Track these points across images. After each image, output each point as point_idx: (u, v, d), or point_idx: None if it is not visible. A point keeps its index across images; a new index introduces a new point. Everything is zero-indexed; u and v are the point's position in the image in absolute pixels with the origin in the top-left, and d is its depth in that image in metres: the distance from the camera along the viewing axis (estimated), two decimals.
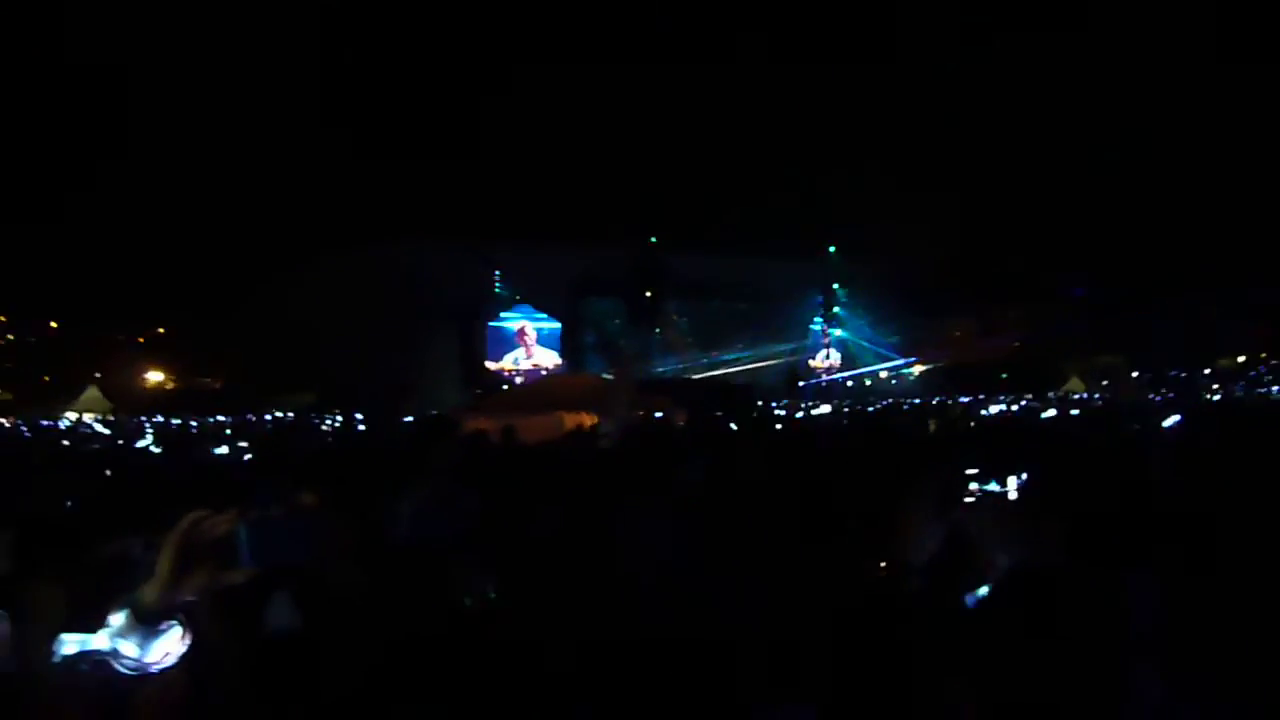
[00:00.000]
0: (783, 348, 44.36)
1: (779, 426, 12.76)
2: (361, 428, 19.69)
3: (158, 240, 41.91)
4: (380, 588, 2.18)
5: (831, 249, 45.87)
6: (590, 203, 41.65)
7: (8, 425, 25.56)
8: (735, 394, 28.66)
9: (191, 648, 1.52)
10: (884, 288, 43.85)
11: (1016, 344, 45.50)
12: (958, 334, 46.83)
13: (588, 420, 13.20)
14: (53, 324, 51.34)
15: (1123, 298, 39.90)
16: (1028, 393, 30.11)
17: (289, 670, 1.92)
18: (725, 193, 43.19)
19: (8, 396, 44.01)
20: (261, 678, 1.81)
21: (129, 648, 1.46)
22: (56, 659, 1.46)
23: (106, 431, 21.88)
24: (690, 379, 38.92)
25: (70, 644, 1.46)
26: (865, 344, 45.94)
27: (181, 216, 41.51)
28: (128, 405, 37.51)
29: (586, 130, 42.61)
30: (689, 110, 42.38)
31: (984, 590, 1.81)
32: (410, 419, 21.83)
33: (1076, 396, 27.50)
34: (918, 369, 45.89)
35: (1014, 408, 20.33)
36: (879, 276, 43.86)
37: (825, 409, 20.48)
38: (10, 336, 51.59)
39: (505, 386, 38.37)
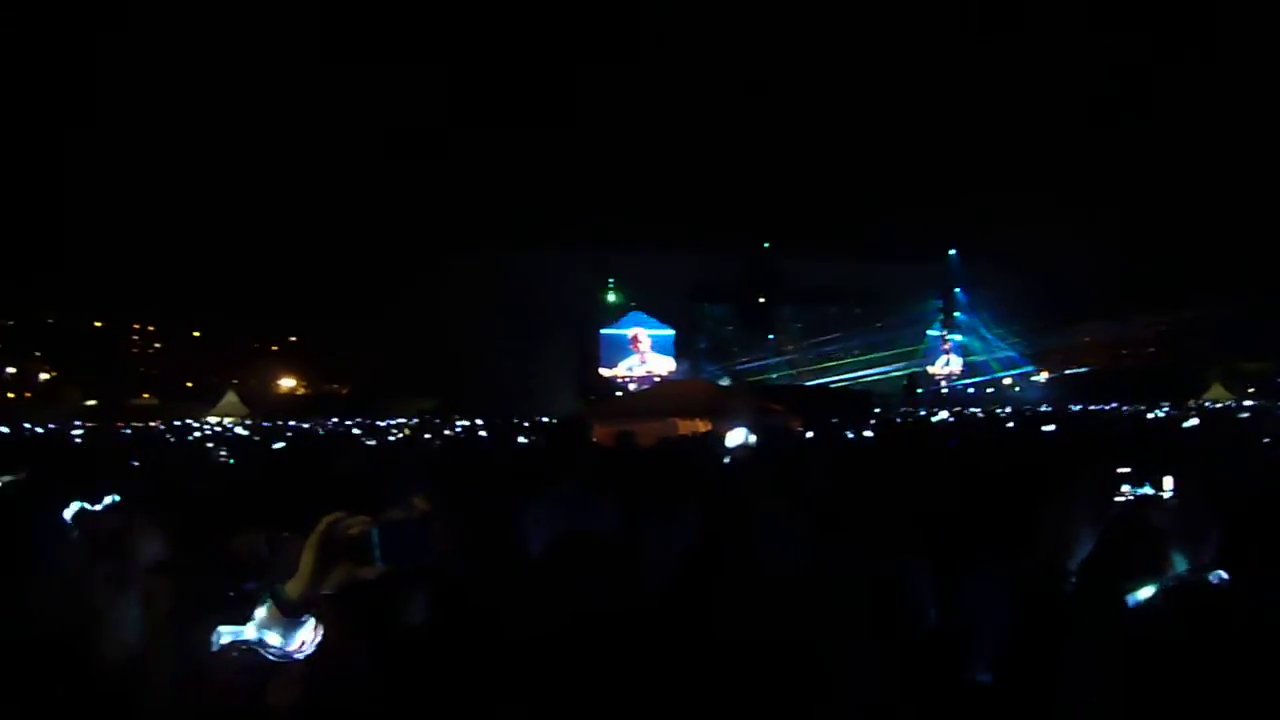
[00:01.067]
0: (900, 353, 43.31)
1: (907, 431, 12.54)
2: (483, 434, 19.99)
3: (291, 253, 43.86)
4: (511, 590, 2.22)
5: (951, 252, 44.75)
6: (704, 209, 42.12)
7: (155, 427, 26.94)
8: (853, 402, 27.55)
9: (326, 639, 1.65)
10: (1008, 291, 42.43)
11: (1151, 349, 43.42)
12: (1088, 340, 44.90)
13: (702, 427, 13.16)
14: (195, 333, 54.35)
15: (1269, 302, 37.64)
16: (1165, 400, 28.63)
17: (417, 664, 1.99)
18: (840, 196, 42.86)
19: (154, 401, 46.12)
20: (391, 670, 1.91)
21: (273, 637, 1.61)
22: (213, 647, 1.60)
23: (244, 433, 22.82)
24: (805, 386, 38.21)
25: (225, 635, 1.60)
26: (987, 350, 44.51)
27: (312, 230, 43.12)
28: (263, 410, 38.87)
29: (700, 137, 42.71)
30: (802, 114, 42.07)
31: (1148, 592, 1.74)
32: (528, 424, 22.35)
33: (1219, 405, 25.96)
34: (1044, 375, 44.24)
35: (1153, 415, 19.35)
36: (1002, 280, 42.52)
37: (942, 414, 19.81)
38: (157, 345, 54.76)
39: (619, 393, 38.87)
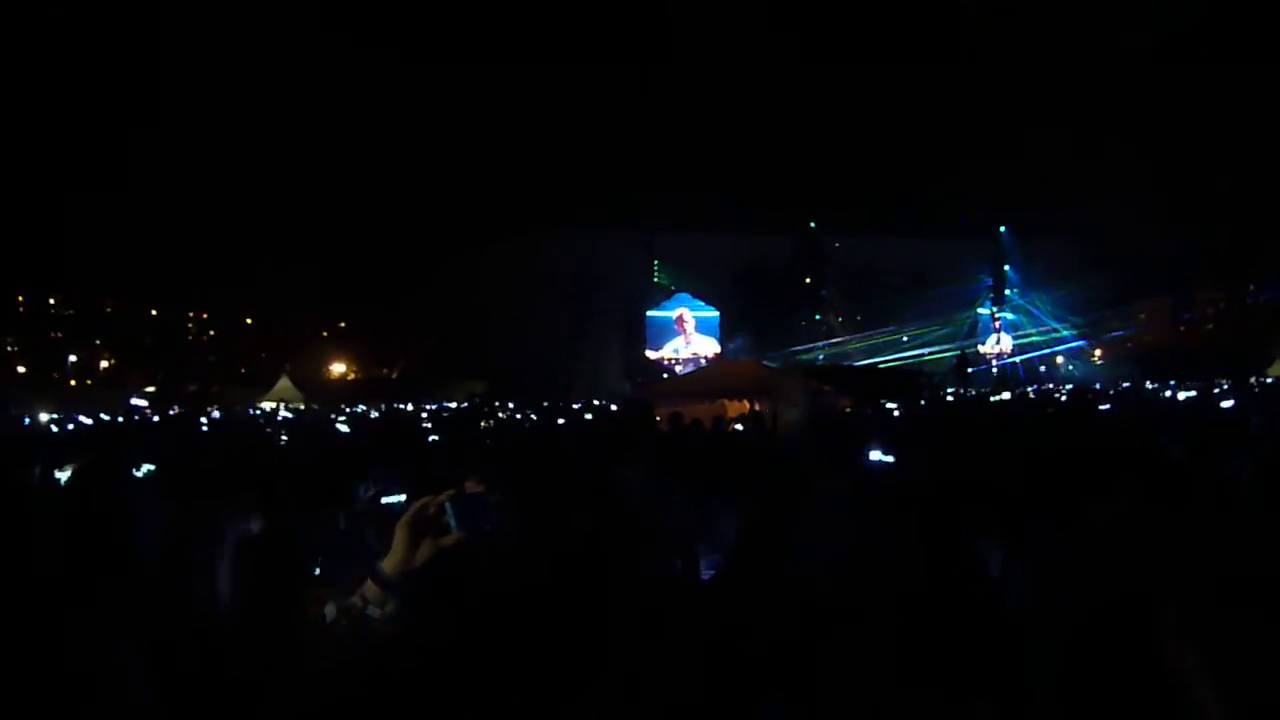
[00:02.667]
0: (950, 332, 42.72)
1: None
2: (533, 415, 20.09)
3: (340, 239, 44.55)
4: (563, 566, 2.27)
5: (1002, 229, 43.96)
6: (750, 189, 41.65)
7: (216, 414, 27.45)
8: (902, 381, 27.66)
9: (420, 606, 1.87)
10: (1060, 268, 41.61)
11: (1211, 326, 42.34)
12: (1143, 316, 43.92)
13: (748, 408, 13.48)
14: (248, 320, 55.43)
15: None
16: (1225, 378, 27.84)
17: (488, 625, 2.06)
18: (887, 173, 42.50)
19: (210, 387, 46.37)
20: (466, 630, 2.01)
21: (375, 610, 1.82)
22: (329, 619, 1.80)
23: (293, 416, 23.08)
24: (853, 366, 37.91)
25: (332, 609, 1.81)
26: (1039, 328, 43.69)
27: (360, 216, 43.67)
28: (316, 394, 39.36)
29: (746, 116, 42.42)
30: (846, 91, 41.58)
31: None
32: (578, 406, 22.46)
33: None
34: (1098, 353, 43.35)
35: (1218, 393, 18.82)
36: (1055, 256, 41.72)
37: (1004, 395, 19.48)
38: (212, 332, 55.96)
39: (665, 375, 38.94)
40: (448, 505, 1.90)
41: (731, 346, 41.69)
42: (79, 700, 1.81)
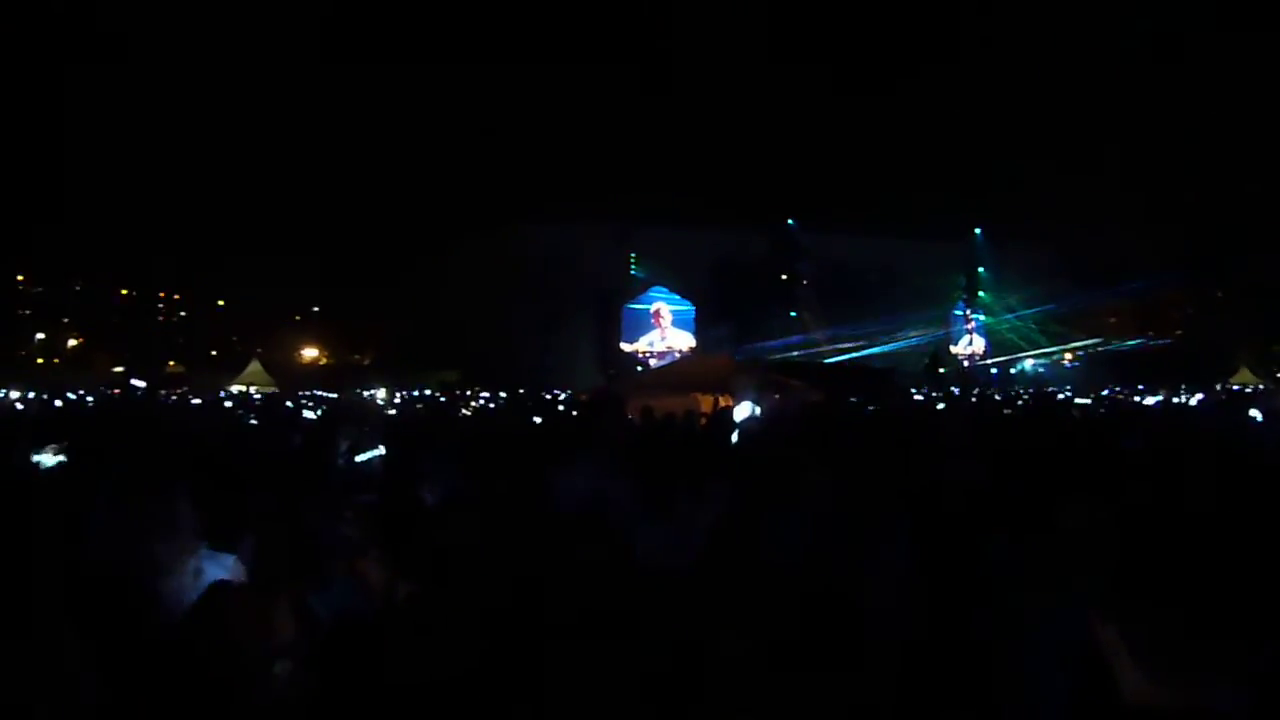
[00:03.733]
0: (922, 332, 42.85)
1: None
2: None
3: (313, 223, 44.23)
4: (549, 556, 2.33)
5: (976, 230, 44.25)
6: (728, 184, 41.99)
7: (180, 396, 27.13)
8: (876, 378, 27.37)
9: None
10: (1033, 271, 42.05)
11: (1179, 331, 43.03)
12: (1113, 320, 44.50)
13: (723, 401, 13.15)
14: (220, 302, 54.98)
15: None
16: (1190, 383, 28.31)
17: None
18: (864, 172, 42.90)
19: (180, 369, 46.54)
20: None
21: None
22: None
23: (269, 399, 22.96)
24: (826, 363, 37.78)
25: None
26: (1011, 329, 44.19)
27: (335, 201, 43.38)
28: (286, 379, 38.86)
29: (722, 111, 42.45)
30: (825, 88, 41.73)
31: None
32: (551, 397, 22.48)
33: (1248, 389, 25.70)
34: (1068, 356, 43.88)
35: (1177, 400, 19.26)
36: (1027, 259, 42.17)
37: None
38: (183, 313, 55.45)
39: (640, 368, 39.21)
40: None
41: (707, 340, 41.73)
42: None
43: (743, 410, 7.26)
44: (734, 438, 6.80)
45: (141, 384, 26.09)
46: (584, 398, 19.53)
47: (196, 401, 22.77)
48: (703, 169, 41.70)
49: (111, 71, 37.95)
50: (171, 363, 47.61)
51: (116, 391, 26.14)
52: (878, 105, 41.46)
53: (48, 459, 4.82)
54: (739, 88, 42.97)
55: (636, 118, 41.68)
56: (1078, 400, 17.59)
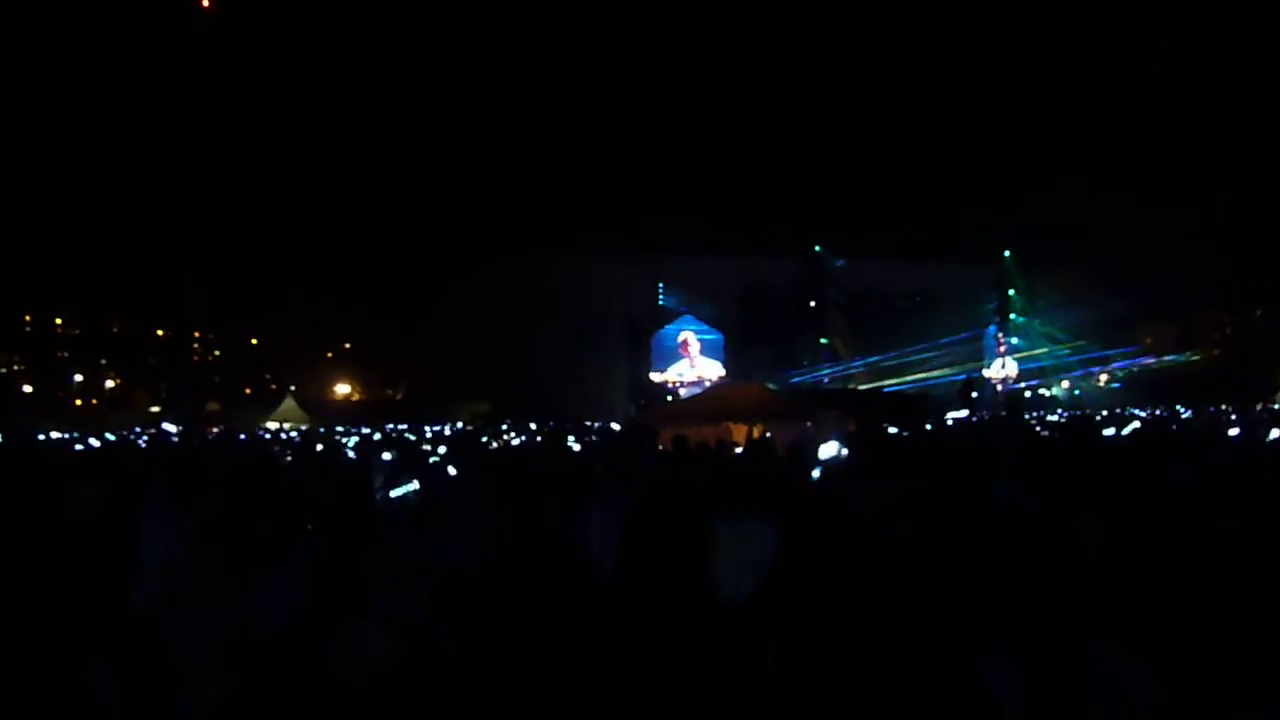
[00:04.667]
0: (954, 356, 42.69)
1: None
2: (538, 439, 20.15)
3: (343, 260, 44.77)
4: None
5: (1006, 253, 44.13)
6: (755, 211, 41.66)
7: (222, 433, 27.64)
8: (908, 406, 28.05)
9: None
10: (1065, 292, 41.92)
11: (1216, 353, 42.42)
12: (1149, 341, 43.99)
13: (756, 431, 13.43)
14: (253, 340, 55.60)
15: None
16: (1231, 403, 27.87)
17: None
18: (892, 197, 42.11)
19: (216, 407, 46.83)
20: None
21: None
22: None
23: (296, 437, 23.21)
24: (858, 390, 38.32)
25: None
26: (1045, 353, 43.84)
27: (363, 237, 43.97)
28: (321, 415, 39.40)
29: (750, 139, 42.52)
30: (852, 113, 41.70)
31: None
32: (581, 429, 22.55)
33: None
34: (1103, 379, 43.44)
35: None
36: (1060, 280, 42.04)
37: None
38: (217, 352, 56.14)
39: (669, 398, 39.18)
40: None
41: (737, 369, 41.83)
42: None
43: (828, 449, 7.18)
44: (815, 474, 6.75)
45: (173, 428, 26.40)
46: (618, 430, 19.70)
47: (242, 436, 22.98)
48: (729, 197, 41.50)
49: (143, 111, 38.76)
50: (213, 403, 47.82)
51: (152, 432, 26.51)
52: (905, 127, 41.28)
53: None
54: (765, 114, 43.06)
55: (662, 146, 41.71)
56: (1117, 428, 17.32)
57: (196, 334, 55.71)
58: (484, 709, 2.01)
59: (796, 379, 41.75)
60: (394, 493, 5.06)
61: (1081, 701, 1.99)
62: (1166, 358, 42.50)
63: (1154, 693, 1.78)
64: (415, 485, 5.11)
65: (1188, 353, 42.79)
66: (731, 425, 14.07)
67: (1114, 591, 2.17)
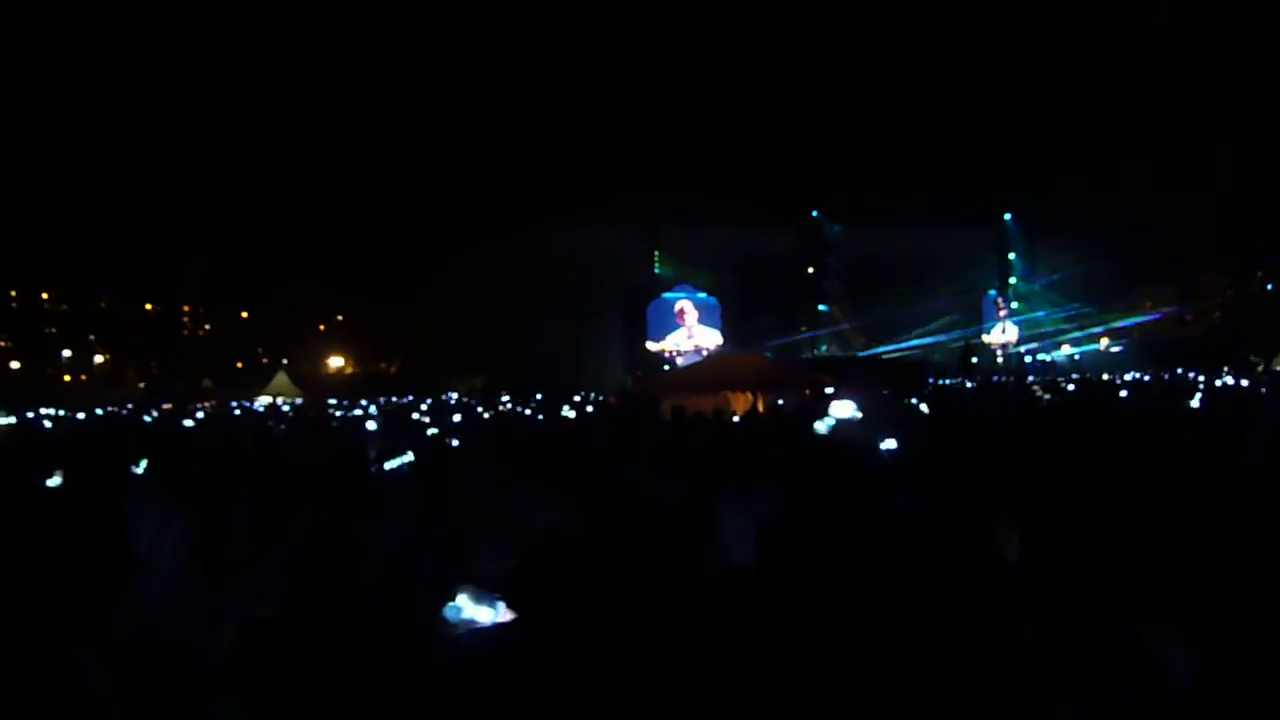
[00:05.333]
0: (954, 321, 42.96)
1: None
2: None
3: (336, 232, 44.78)
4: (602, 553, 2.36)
5: (1006, 215, 43.97)
6: (750, 178, 41.59)
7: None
8: (909, 373, 27.89)
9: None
10: (1065, 255, 41.63)
11: (1217, 315, 42.45)
12: (1149, 304, 43.99)
13: (753, 399, 13.50)
14: (244, 314, 55.39)
15: None
16: (1229, 367, 27.84)
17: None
18: (889, 161, 42.17)
19: (208, 383, 46.96)
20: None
21: (483, 615, 2.12)
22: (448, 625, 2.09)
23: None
24: (857, 357, 38.12)
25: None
26: (1045, 317, 43.81)
27: (356, 208, 43.90)
28: (313, 390, 39.45)
29: (744, 104, 42.21)
30: (847, 77, 41.45)
31: None
32: (579, 399, 22.50)
33: None
34: (1104, 342, 43.28)
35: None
36: (1060, 243, 41.75)
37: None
38: (208, 326, 55.95)
39: (666, 367, 38.91)
40: None
41: (735, 337, 41.69)
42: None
43: (842, 409, 7.08)
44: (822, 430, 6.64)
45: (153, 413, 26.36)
46: (613, 400, 19.70)
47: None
48: (725, 164, 41.58)
49: (130, 86, 38.33)
50: (204, 380, 47.71)
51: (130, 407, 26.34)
52: (900, 90, 41.02)
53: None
54: (759, 80, 42.76)
55: (657, 114, 41.36)
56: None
57: (186, 309, 55.18)
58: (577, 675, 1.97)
59: (795, 346, 41.76)
60: (388, 465, 5.10)
61: (1113, 672, 1.98)
62: (1166, 321, 42.45)
63: (1188, 663, 1.69)
64: (409, 457, 5.14)
65: (1189, 316, 42.77)
66: (731, 395, 13.90)
67: (1144, 561, 2.07)
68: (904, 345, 41.26)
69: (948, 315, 42.53)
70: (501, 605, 2.10)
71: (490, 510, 3.77)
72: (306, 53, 39.43)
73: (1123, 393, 15.67)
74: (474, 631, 2.11)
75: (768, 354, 31.37)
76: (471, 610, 2.12)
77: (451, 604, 2.15)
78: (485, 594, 2.16)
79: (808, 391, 14.29)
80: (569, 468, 4.99)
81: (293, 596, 2.33)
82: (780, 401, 12.48)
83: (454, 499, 4.06)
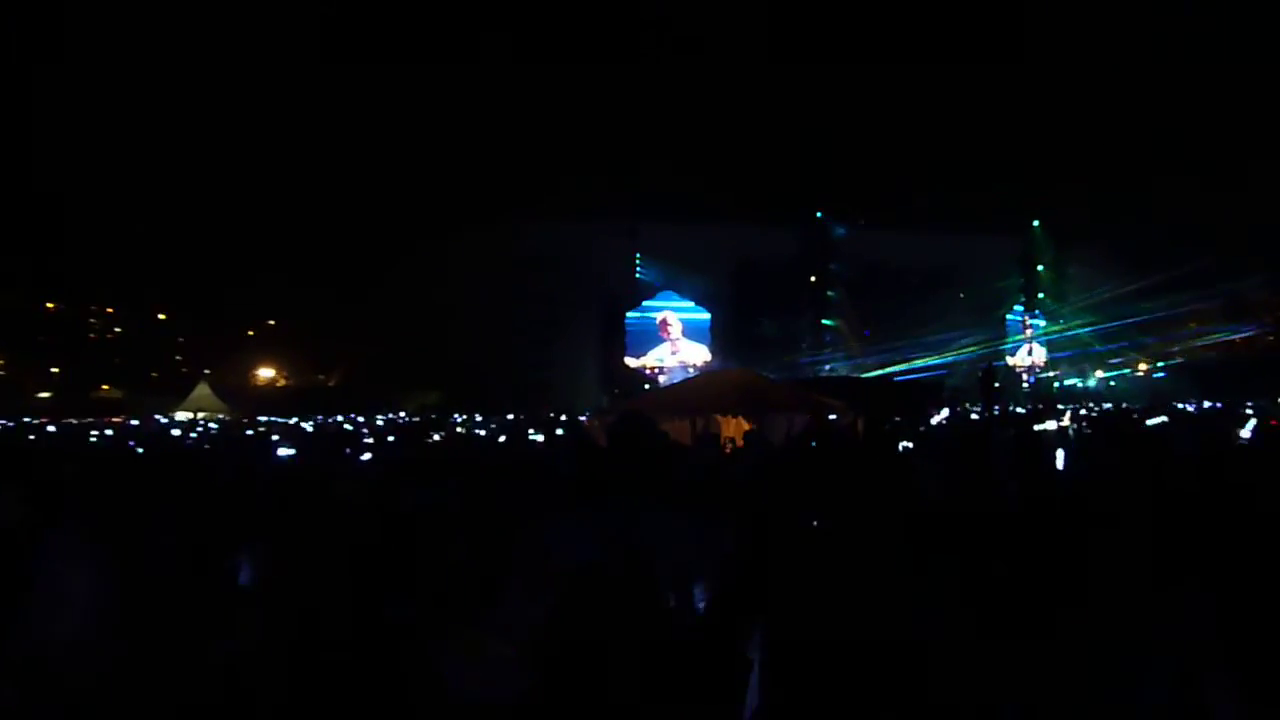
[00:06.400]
0: (974, 340, 42.99)
1: None
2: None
3: (270, 222, 44.03)
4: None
5: (1034, 223, 44.39)
6: (746, 173, 41.10)
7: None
8: (922, 396, 28.19)
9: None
10: (1100, 269, 42.02)
11: (1271, 336, 42.83)
12: (1193, 324, 44.41)
13: (746, 425, 12.99)
14: (160, 315, 54.73)
15: None
16: None
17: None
18: (904, 158, 42.01)
19: (116, 394, 46.65)
20: None
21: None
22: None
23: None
24: (864, 378, 38.20)
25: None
26: (1076, 338, 44.11)
27: (296, 197, 43.09)
28: (240, 404, 39.04)
29: (741, 91, 42.05)
30: (858, 65, 41.35)
31: None
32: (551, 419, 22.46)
33: None
34: (1143, 367, 43.75)
35: None
36: (1094, 255, 42.19)
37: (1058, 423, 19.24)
38: (118, 329, 55.00)
39: (647, 386, 38.87)
40: None
41: (726, 353, 41.78)
42: None
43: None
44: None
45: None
46: (596, 422, 19.40)
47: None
48: (717, 154, 41.43)
49: (33, 58, 37.83)
50: (106, 386, 47.66)
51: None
52: (917, 72, 40.80)
53: None
54: (760, 63, 42.66)
55: (638, 94, 40.96)
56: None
57: (93, 307, 54.56)
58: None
59: (795, 366, 41.70)
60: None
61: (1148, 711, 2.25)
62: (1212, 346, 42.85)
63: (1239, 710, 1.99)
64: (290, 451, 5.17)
65: (1237, 338, 43.16)
66: (720, 418, 13.60)
67: (1187, 602, 2.41)
68: (917, 366, 41.39)
69: (967, 333, 42.69)
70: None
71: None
72: (246, 21, 39.02)
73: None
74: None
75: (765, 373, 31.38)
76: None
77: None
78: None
79: (814, 416, 14.21)
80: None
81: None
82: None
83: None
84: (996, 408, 27.65)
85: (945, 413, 20.57)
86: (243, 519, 4.33)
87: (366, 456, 10.00)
